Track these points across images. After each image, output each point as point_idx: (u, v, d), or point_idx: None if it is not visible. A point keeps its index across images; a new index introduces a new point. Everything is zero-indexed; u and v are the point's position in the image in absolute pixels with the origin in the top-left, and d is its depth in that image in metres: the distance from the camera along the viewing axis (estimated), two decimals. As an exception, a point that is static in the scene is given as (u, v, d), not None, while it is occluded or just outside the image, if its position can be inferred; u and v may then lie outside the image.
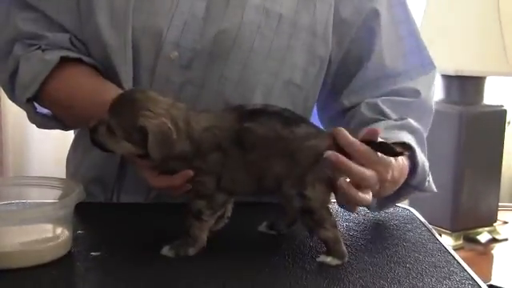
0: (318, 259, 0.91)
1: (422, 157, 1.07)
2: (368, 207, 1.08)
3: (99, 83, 1.08)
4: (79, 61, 1.10)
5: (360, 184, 0.91)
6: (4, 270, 0.87)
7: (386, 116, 1.11)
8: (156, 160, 0.89)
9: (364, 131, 0.95)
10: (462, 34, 2.22)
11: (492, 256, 2.30)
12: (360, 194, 0.91)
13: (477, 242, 2.32)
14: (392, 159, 0.95)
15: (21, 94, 1.12)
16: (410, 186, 1.06)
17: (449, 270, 0.91)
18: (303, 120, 0.93)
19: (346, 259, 0.91)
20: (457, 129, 2.26)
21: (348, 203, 0.94)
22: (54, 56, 1.09)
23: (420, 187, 1.09)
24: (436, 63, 1.21)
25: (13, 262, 0.89)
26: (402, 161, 1.00)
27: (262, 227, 1.02)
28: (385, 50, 1.15)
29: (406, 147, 1.00)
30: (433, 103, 1.19)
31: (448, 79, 2.30)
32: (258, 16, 1.08)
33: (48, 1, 1.12)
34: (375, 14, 1.14)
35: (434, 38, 2.20)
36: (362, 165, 0.91)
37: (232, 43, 1.07)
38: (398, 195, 1.06)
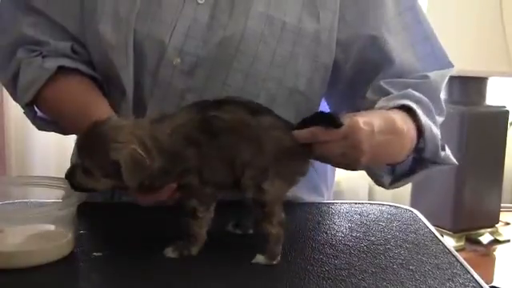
0: (252, 261, 0.92)
1: (427, 120, 1.03)
2: (383, 185, 1.08)
3: (90, 97, 1.09)
4: (77, 71, 1.11)
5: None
6: (7, 270, 0.87)
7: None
8: (135, 188, 0.89)
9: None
10: (465, 34, 2.22)
11: (494, 257, 2.29)
12: None
13: (478, 243, 2.32)
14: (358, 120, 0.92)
15: (21, 96, 1.14)
16: (422, 157, 1.03)
17: (452, 271, 0.91)
18: (269, 112, 0.94)
19: (277, 261, 0.91)
20: (459, 129, 2.26)
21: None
22: (52, 64, 1.10)
23: (435, 159, 1.06)
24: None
25: (15, 261, 0.89)
26: (390, 114, 0.98)
27: (229, 227, 1.02)
28: (401, 56, 1.12)
29: (406, 110, 1.00)
30: (441, 91, 1.14)
31: (450, 80, 2.28)
32: (262, 23, 1.07)
33: (54, 5, 1.12)
34: (374, 38, 1.11)
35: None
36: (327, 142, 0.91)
37: (235, 50, 1.06)
38: (413, 170, 1.06)
